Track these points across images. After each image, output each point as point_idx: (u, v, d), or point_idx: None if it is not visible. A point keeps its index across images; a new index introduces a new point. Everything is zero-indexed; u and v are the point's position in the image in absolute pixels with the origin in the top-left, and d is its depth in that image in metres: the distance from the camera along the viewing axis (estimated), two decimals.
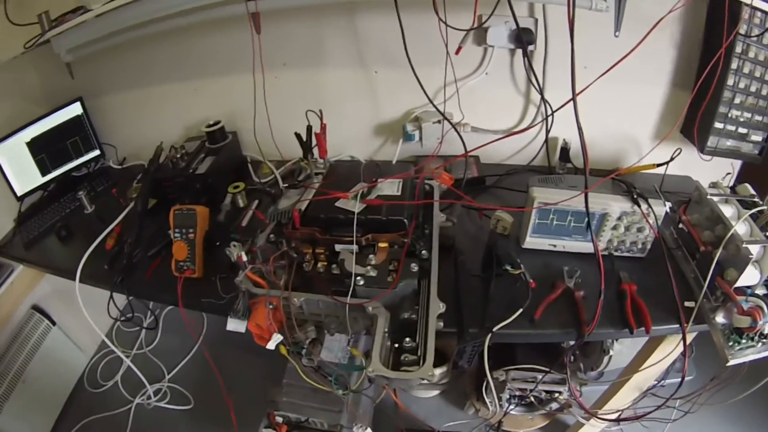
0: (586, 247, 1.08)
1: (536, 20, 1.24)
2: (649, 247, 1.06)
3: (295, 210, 1.01)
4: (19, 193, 1.68)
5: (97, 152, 1.90)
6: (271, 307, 0.90)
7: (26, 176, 1.68)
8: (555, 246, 1.12)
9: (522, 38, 1.18)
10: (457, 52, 1.30)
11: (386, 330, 0.80)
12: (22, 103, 1.76)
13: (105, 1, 1.27)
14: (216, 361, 1.95)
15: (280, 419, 1.53)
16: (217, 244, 1.30)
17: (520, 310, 0.94)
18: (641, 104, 1.36)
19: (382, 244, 0.94)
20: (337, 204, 1.00)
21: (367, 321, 0.86)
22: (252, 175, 1.66)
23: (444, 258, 0.97)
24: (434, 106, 1.33)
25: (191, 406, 2.01)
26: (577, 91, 0.83)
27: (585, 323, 0.94)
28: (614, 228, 1.04)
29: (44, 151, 1.70)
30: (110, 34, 1.40)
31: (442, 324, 0.81)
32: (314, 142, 1.22)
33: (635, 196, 1.00)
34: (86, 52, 1.52)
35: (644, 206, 0.99)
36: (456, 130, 1.37)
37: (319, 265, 0.98)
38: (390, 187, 1.04)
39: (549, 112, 1.32)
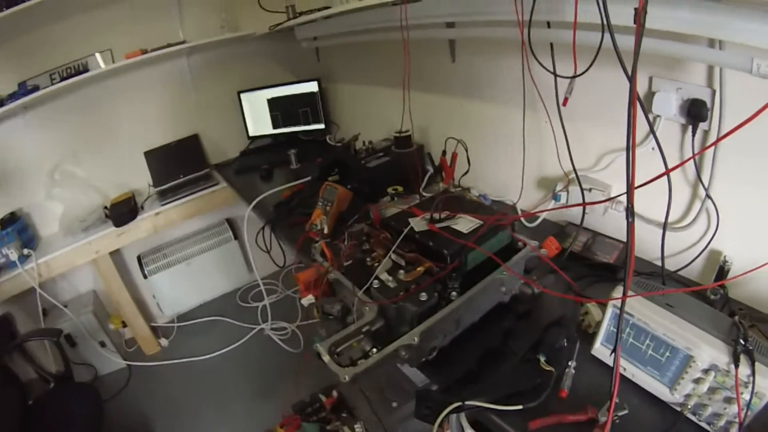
0: (659, 390, 0.92)
1: (714, 92, 1.05)
2: None
3: (377, 212, 1.23)
4: (250, 134, 2.45)
5: (321, 126, 2.54)
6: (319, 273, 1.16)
7: (260, 124, 2.45)
8: (624, 369, 0.98)
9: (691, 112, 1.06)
10: (564, 103, 1.26)
11: (364, 329, 0.95)
12: (276, 68, 2.53)
13: (344, 4, 1.74)
14: None
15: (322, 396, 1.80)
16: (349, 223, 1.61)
17: (520, 407, 0.90)
18: None
19: (420, 268, 1.06)
20: (409, 219, 1.16)
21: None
22: (421, 186, 1.87)
23: (500, 320, 1.08)
24: (575, 171, 1.30)
25: (298, 351, 2.49)
26: None
27: None
28: (697, 381, 0.85)
29: (279, 110, 2.42)
30: (343, 33, 1.89)
31: (406, 355, 0.90)
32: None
33: (739, 349, 0.79)
34: (324, 44, 2.09)
35: (746, 370, 0.79)
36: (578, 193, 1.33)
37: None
38: (465, 224, 1.13)
39: (715, 217, 1.13)
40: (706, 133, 1.11)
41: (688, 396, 0.88)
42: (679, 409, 0.89)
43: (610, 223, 1.41)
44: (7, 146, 2.34)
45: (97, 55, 2.19)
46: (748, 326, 1.01)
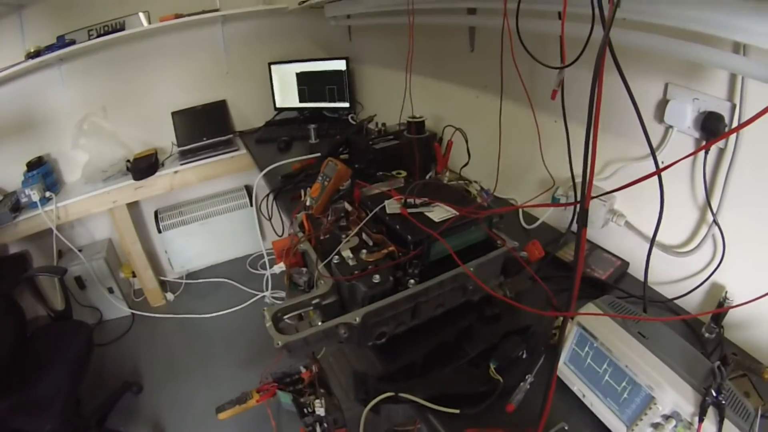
0: (616, 427, 0.78)
1: (734, 106, 0.88)
2: None
3: (357, 190, 1.14)
4: (277, 105, 2.41)
5: (346, 104, 2.46)
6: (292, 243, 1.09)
7: (287, 96, 2.40)
8: (584, 396, 0.86)
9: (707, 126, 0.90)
10: (552, 96, 1.11)
11: (314, 301, 0.89)
12: (308, 44, 2.49)
13: None
14: None
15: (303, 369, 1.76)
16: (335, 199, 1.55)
17: (457, 411, 0.81)
18: None
19: (383, 250, 0.96)
20: (386, 201, 1.07)
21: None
22: (426, 172, 1.75)
23: (463, 318, 1.00)
24: (572, 174, 1.16)
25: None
26: None
27: None
28: (655, 427, 0.72)
29: (307, 84, 2.36)
30: (370, 14, 1.79)
31: (345, 333, 0.81)
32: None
33: (708, 401, 0.66)
34: (355, 24, 1.99)
35: (711, 426, 0.65)
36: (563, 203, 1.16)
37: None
38: (440, 213, 1.02)
39: (721, 246, 0.96)
40: (721, 151, 0.94)
41: None
42: None
43: (611, 237, 1.27)
44: (42, 94, 2.40)
45: (141, 14, 2.20)
46: (738, 375, 0.87)
